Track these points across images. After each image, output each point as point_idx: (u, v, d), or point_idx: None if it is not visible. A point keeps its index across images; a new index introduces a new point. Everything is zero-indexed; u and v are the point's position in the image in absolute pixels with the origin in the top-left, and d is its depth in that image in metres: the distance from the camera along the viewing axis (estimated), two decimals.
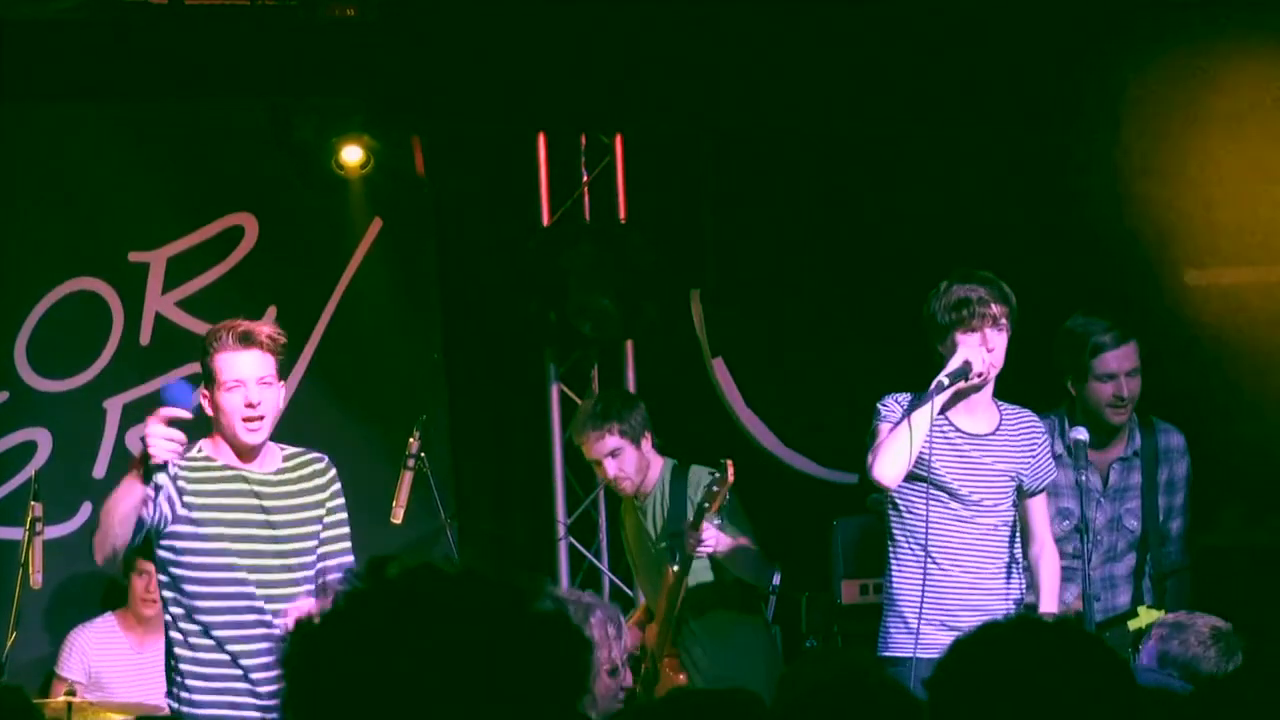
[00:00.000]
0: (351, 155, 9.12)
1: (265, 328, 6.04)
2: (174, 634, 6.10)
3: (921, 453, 6.68)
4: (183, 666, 6.06)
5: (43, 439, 8.89)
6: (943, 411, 6.75)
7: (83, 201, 9.00)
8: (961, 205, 9.18)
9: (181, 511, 5.95)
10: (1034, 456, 6.86)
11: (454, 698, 2.06)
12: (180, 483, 5.96)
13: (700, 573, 7.88)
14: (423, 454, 7.88)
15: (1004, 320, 6.72)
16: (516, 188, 9.56)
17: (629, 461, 7.91)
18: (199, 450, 6.04)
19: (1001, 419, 6.87)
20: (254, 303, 9.06)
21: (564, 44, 8.84)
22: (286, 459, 6.16)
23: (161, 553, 6.04)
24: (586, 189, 9.57)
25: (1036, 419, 6.93)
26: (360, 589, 2.16)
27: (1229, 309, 8.82)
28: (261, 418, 5.97)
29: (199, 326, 9.07)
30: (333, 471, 6.26)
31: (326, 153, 9.12)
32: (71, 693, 7.72)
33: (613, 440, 7.90)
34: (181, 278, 9.09)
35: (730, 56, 8.85)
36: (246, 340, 5.96)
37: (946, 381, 6.59)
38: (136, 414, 8.98)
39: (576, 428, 8.13)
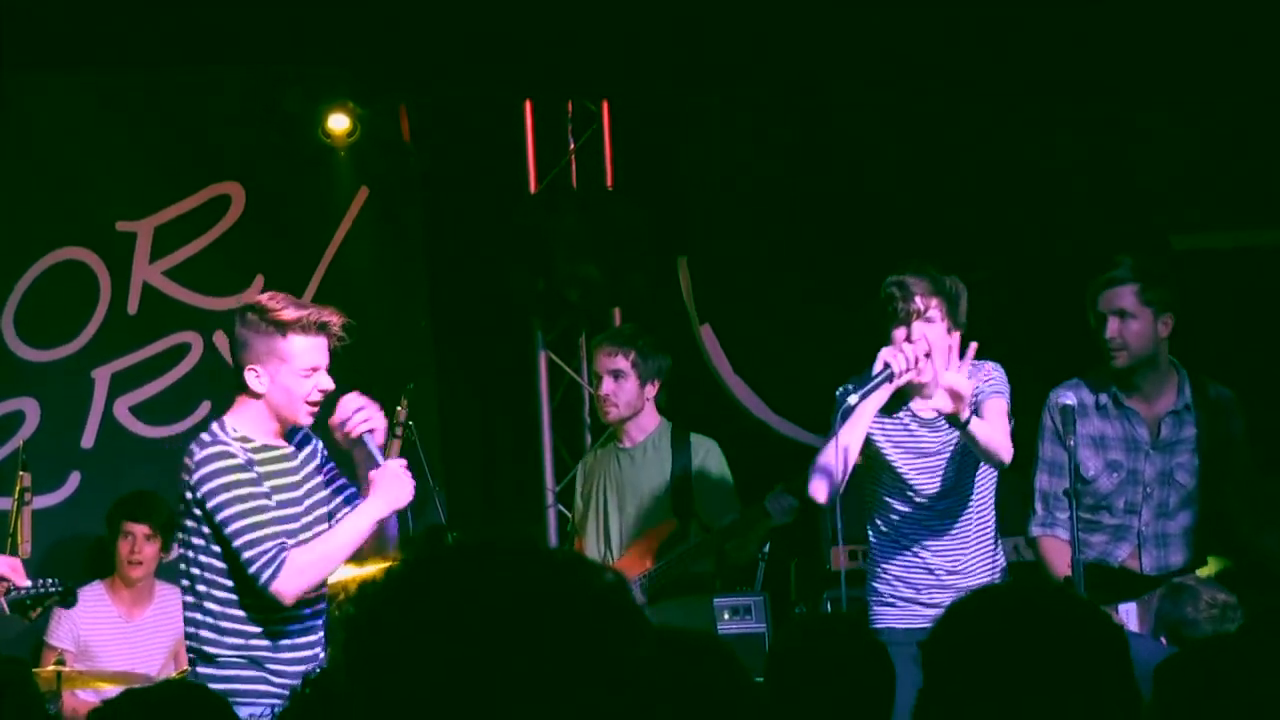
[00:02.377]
0: (338, 123, 9.12)
1: (339, 319, 5.97)
2: (213, 609, 5.89)
3: (883, 448, 6.79)
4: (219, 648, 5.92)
5: (30, 409, 8.89)
6: (906, 405, 6.80)
7: (69, 171, 8.99)
8: (950, 172, 9.18)
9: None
10: (975, 395, 6.74)
11: (512, 669, 2.05)
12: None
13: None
14: (410, 422, 7.87)
15: (935, 312, 6.66)
16: (503, 155, 9.56)
17: (626, 391, 7.98)
18: (233, 431, 5.90)
19: None
20: (241, 272, 9.07)
21: (550, 11, 8.82)
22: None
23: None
24: (574, 156, 9.57)
25: (975, 365, 6.79)
26: (420, 557, 2.15)
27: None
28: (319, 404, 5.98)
29: (186, 295, 9.08)
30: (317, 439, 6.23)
31: (313, 121, 9.12)
32: (61, 662, 7.72)
33: (621, 363, 7.98)
34: (169, 247, 9.09)
35: (716, 22, 8.83)
36: (323, 329, 5.91)
37: (854, 401, 6.51)
38: (124, 383, 8.99)
39: (601, 338, 8.21)
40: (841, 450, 6.54)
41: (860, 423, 6.60)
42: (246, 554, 5.76)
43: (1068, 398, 6.90)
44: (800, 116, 9.41)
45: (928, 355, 6.66)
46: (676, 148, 9.57)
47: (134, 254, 9.05)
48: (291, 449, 5.98)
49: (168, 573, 8.47)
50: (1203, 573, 6.84)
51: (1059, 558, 7.03)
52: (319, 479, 6.02)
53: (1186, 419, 7.13)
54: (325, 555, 5.84)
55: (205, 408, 8.89)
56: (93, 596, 8.42)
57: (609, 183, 9.52)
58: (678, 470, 7.97)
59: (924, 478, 6.83)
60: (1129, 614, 6.81)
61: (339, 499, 6.02)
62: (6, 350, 8.89)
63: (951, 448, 6.80)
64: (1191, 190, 9.07)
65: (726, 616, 8.18)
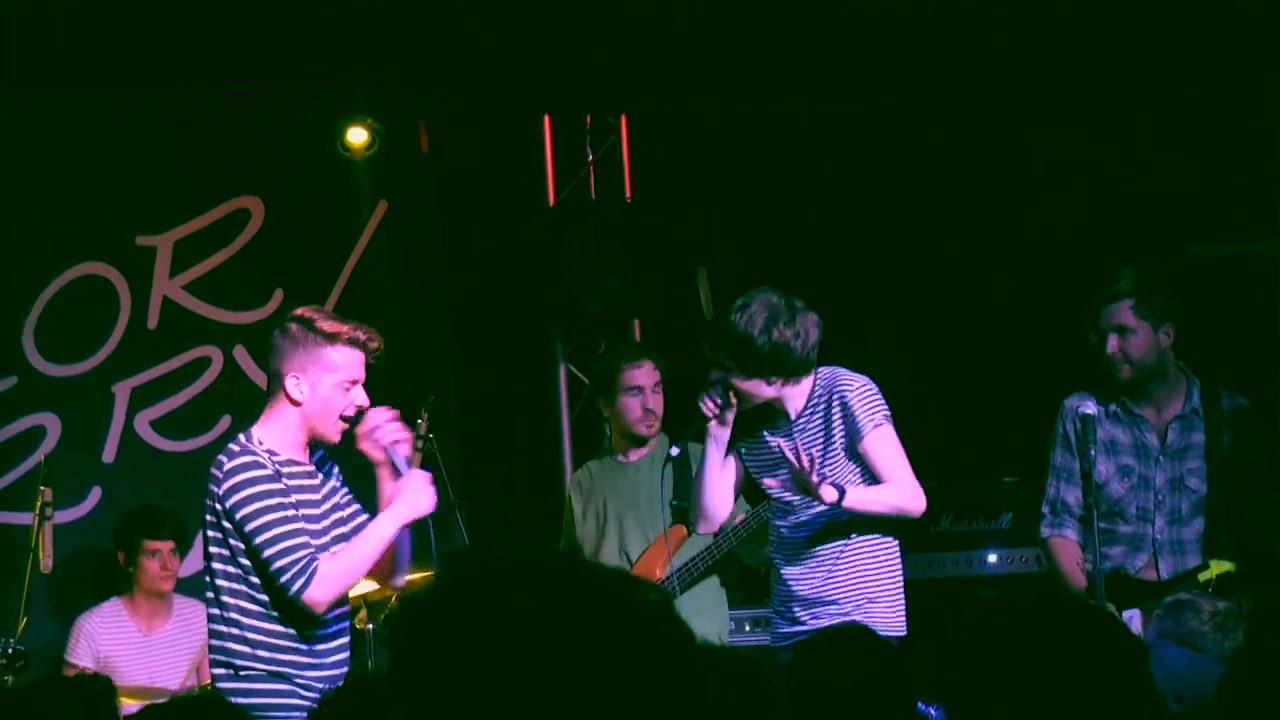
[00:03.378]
0: (357, 137, 9.12)
1: (378, 341, 5.98)
2: (242, 621, 5.87)
3: (749, 466, 6.78)
4: (246, 661, 5.90)
5: (51, 424, 8.90)
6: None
7: (89, 186, 9.01)
8: (969, 180, 9.17)
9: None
10: (843, 416, 6.62)
11: (555, 682, 2.04)
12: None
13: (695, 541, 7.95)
14: (431, 435, 7.88)
15: (732, 361, 6.58)
16: (522, 168, 9.57)
17: (661, 402, 7.97)
18: (260, 443, 5.89)
19: (808, 400, 6.70)
20: (261, 285, 9.08)
21: (569, 24, 8.83)
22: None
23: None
24: (592, 169, 9.58)
25: (839, 374, 6.72)
26: (466, 570, 2.13)
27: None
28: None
29: (207, 310, 9.10)
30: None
31: (332, 135, 9.12)
32: None
33: (658, 375, 7.96)
34: (189, 261, 9.10)
35: (734, 35, 8.84)
36: (363, 346, 5.93)
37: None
38: (145, 398, 9.01)
39: (629, 354, 8.10)
40: (710, 492, 6.76)
41: (712, 464, 6.75)
42: (278, 563, 5.75)
43: (1088, 407, 6.89)
44: (820, 127, 9.40)
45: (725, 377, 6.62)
46: (694, 159, 9.57)
47: (154, 268, 9.07)
48: (313, 468, 5.98)
49: (184, 586, 8.48)
50: (1204, 576, 6.81)
51: (1067, 555, 7.01)
52: (337, 499, 6.02)
53: (1195, 424, 7.10)
54: (353, 563, 5.85)
55: (226, 422, 8.90)
56: (111, 613, 8.42)
57: (627, 195, 9.52)
58: (680, 480, 7.95)
59: (784, 490, 6.65)
60: (1132, 621, 6.79)
61: (355, 522, 6.01)
62: (28, 365, 8.91)
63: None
64: (1211, 197, 9.05)
65: (747, 628, 8.17)
